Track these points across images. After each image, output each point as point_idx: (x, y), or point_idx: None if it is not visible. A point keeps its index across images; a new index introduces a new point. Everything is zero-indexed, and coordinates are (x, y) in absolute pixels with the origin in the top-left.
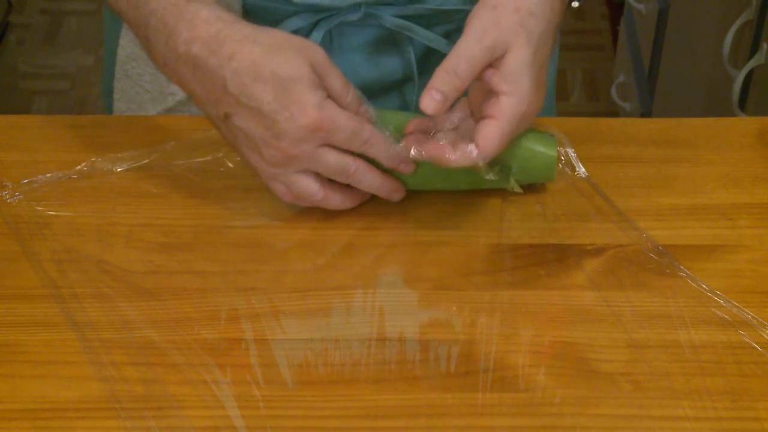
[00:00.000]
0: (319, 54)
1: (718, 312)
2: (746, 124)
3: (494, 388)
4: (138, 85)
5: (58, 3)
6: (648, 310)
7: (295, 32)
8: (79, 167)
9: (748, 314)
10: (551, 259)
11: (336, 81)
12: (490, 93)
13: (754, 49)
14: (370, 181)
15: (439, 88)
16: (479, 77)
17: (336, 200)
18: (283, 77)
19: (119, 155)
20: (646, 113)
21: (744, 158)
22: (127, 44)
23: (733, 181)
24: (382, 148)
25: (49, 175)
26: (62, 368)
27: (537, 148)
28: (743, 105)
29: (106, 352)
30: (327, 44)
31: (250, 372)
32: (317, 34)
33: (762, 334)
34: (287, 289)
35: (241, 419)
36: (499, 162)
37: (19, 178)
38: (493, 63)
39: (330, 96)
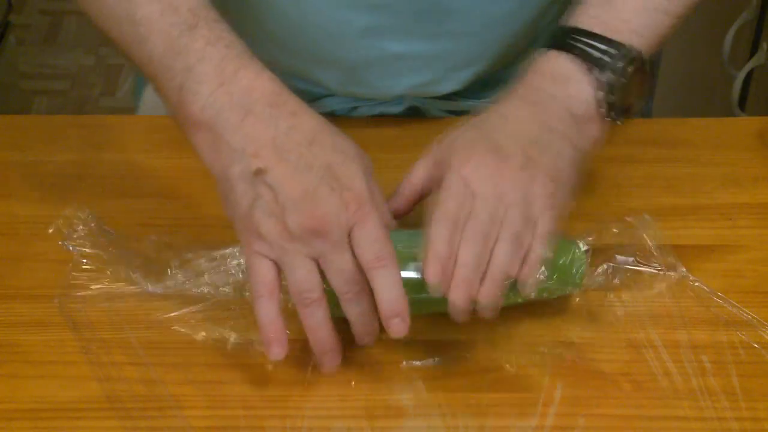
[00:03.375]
0: (370, 163)
1: (718, 312)
2: (746, 124)
3: (494, 388)
4: None
5: (58, 3)
6: (648, 310)
7: (332, 112)
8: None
9: (748, 314)
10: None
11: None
12: None
13: (754, 49)
14: (365, 311)
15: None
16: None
17: (321, 319)
18: (342, 150)
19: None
20: (646, 113)
21: (744, 158)
22: None
23: (733, 181)
24: (390, 281)
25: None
26: (62, 368)
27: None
28: (743, 105)
29: (106, 352)
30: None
31: (251, 372)
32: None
33: (762, 334)
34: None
35: (241, 419)
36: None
37: (19, 177)
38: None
39: None
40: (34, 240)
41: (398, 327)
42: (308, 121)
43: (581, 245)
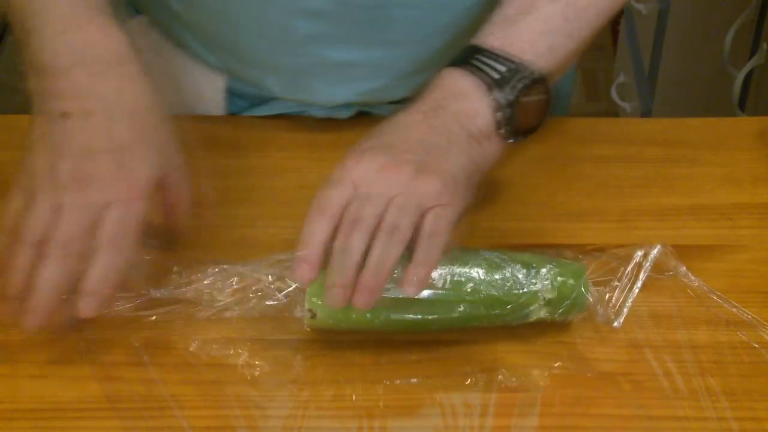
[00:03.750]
0: (177, 161)
1: (718, 312)
2: (746, 124)
3: (494, 388)
4: None
5: None
6: (648, 310)
7: (280, 115)
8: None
9: (748, 314)
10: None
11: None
12: None
13: (754, 49)
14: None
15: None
16: None
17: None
18: (151, 132)
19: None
20: (646, 113)
21: (744, 158)
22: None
23: (733, 181)
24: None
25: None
26: (62, 368)
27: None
28: (743, 105)
29: (106, 352)
30: None
31: (250, 372)
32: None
33: (762, 334)
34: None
35: (241, 419)
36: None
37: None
38: None
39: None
40: None
41: (84, 305)
42: (135, 90)
43: (585, 273)
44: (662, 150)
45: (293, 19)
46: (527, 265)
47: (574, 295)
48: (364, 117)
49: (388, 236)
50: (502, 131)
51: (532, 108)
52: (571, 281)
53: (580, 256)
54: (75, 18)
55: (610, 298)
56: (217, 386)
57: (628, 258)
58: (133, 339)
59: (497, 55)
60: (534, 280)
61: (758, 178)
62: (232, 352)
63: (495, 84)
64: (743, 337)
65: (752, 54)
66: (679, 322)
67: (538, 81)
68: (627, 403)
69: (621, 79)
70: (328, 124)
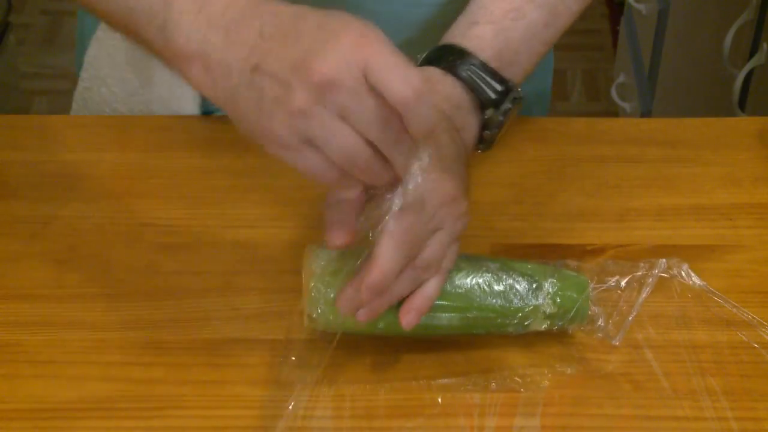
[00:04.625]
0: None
1: (718, 312)
2: (746, 124)
3: (494, 388)
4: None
5: (58, 3)
6: (648, 310)
7: None
8: None
9: (748, 314)
10: (551, 259)
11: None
12: None
13: (754, 49)
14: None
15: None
16: None
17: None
18: (329, 17)
19: None
20: (646, 113)
21: (744, 158)
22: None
23: (733, 181)
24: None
25: None
26: (62, 368)
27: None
28: (743, 105)
29: (106, 352)
30: None
31: (250, 372)
32: None
33: (762, 334)
34: (286, 289)
35: (241, 419)
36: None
37: (19, 177)
38: None
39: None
40: (34, 240)
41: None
42: (288, 7)
43: (587, 289)
44: (662, 150)
45: None
46: (529, 277)
47: (575, 310)
48: None
49: (428, 273)
50: (481, 146)
51: (508, 125)
52: (573, 295)
53: (583, 267)
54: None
55: (611, 314)
56: (217, 386)
57: (632, 270)
58: (133, 339)
59: (493, 72)
60: (536, 293)
61: (758, 178)
62: (231, 352)
63: (491, 103)
64: (743, 337)
65: (752, 54)
66: (679, 322)
67: (518, 99)
68: (627, 403)
69: (621, 79)
70: None
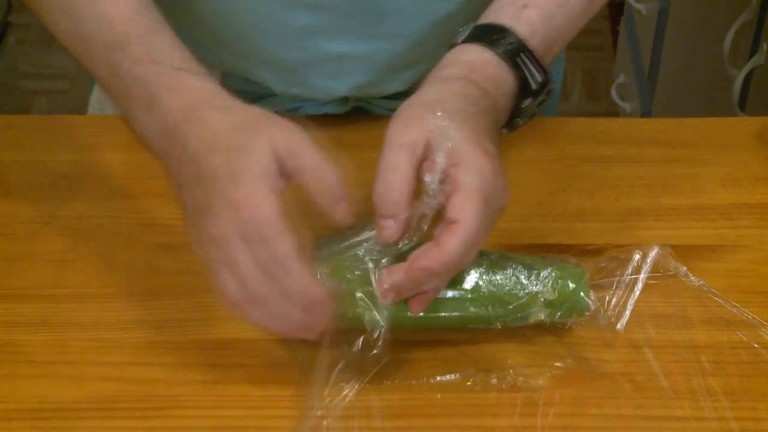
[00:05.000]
0: (291, 139)
1: (718, 312)
2: (746, 124)
3: (494, 388)
4: None
5: None
6: (648, 310)
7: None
8: None
9: (748, 314)
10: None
11: (310, 161)
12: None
13: (754, 49)
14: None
15: (383, 213)
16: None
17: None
18: (235, 151)
19: None
20: (646, 113)
21: (744, 158)
22: None
23: (733, 181)
24: (295, 280)
25: None
26: (62, 368)
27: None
28: (743, 105)
29: (106, 352)
30: None
31: (250, 372)
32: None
33: (762, 334)
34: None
35: (241, 419)
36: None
37: (19, 177)
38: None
39: (303, 182)
40: (34, 240)
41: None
42: (212, 125)
43: (585, 276)
44: (662, 150)
45: (291, 11)
46: (528, 267)
47: (574, 297)
48: (360, 115)
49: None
50: (505, 130)
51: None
52: (571, 283)
53: (582, 264)
54: (151, 89)
55: (610, 301)
56: (217, 386)
57: (628, 260)
58: (133, 339)
59: (539, 64)
60: (535, 281)
61: (758, 178)
62: (231, 352)
63: (531, 93)
64: (743, 337)
65: (752, 54)
66: (679, 322)
67: (551, 92)
68: (627, 403)
69: (621, 79)
70: (325, 121)
